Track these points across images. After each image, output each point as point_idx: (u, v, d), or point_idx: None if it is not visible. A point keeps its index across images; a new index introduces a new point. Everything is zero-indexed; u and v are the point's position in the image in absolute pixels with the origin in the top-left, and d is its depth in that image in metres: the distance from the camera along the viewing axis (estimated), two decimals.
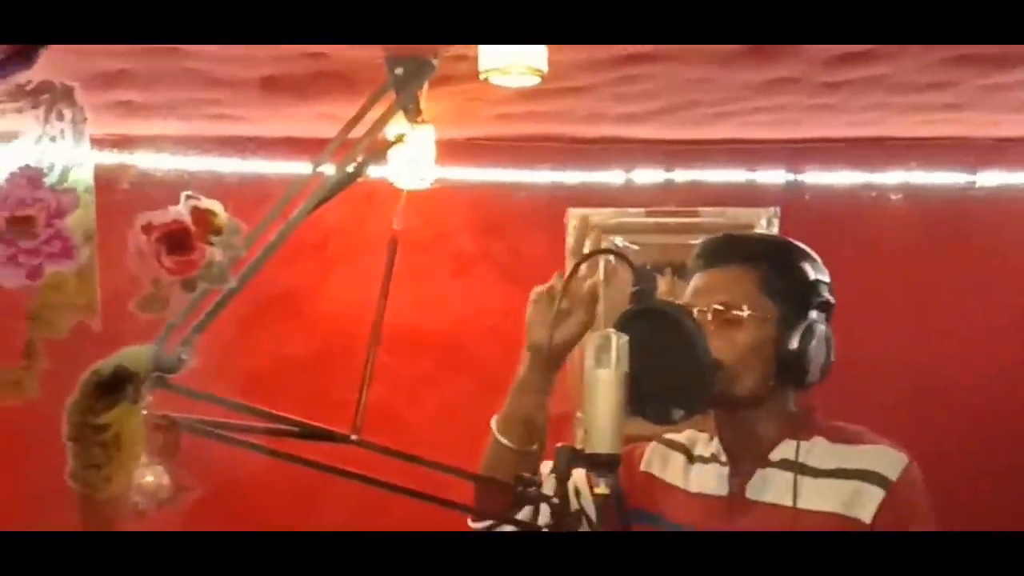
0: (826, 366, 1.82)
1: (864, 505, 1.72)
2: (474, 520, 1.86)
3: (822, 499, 1.75)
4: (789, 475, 1.77)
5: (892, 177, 4.14)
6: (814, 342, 1.78)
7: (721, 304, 1.80)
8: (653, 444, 1.99)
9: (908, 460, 1.76)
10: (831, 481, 1.76)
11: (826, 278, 1.85)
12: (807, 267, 1.83)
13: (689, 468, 1.93)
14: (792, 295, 1.81)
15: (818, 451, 1.79)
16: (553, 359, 1.77)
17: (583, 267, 1.77)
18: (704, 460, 1.91)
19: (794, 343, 1.78)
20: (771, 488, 1.79)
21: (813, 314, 1.81)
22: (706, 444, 1.93)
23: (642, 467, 1.97)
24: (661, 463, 1.96)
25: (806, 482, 1.76)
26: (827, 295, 1.84)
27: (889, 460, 1.75)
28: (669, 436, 1.98)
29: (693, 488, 1.90)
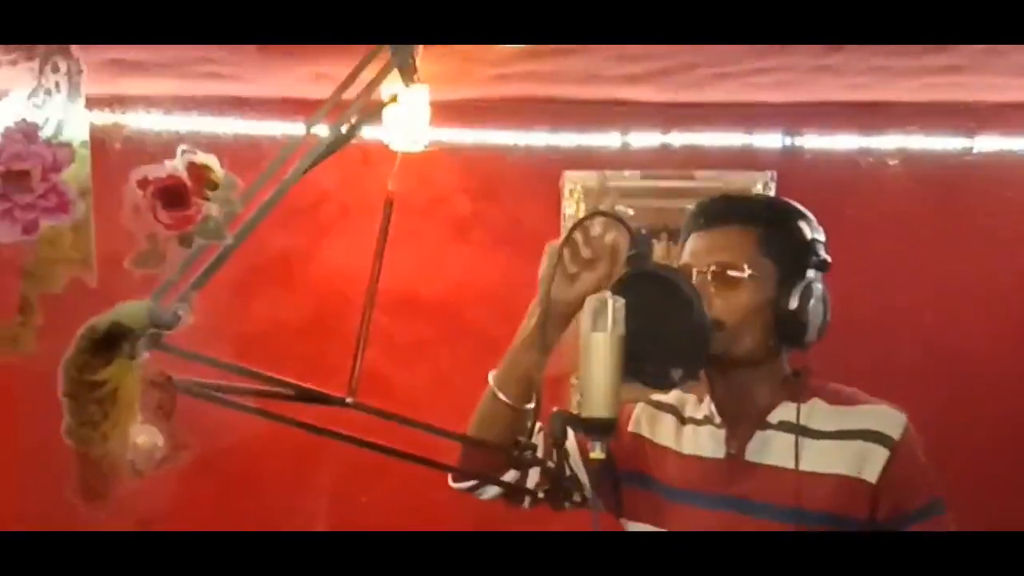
0: (823, 325, 1.83)
1: (869, 466, 1.73)
2: (456, 480, 1.86)
3: (825, 461, 1.76)
4: (790, 437, 1.78)
5: (890, 141, 4.12)
6: (813, 301, 1.79)
7: (721, 264, 1.80)
8: (641, 405, 1.99)
9: (907, 418, 1.78)
10: (834, 443, 1.77)
11: (821, 237, 1.85)
12: (803, 226, 1.83)
13: (681, 429, 1.93)
14: (790, 254, 1.81)
15: (817, 413, 1.80)
16: (566, 315, 1.72)
17: (601, 224, 1.73)
18: (697, 422, 1.91)
19: (793, 302, 1.78)
20: (772, 450, 1.80)
21: (811, 273, 1.81)
22: (696, 406, 1.93)
23: (630, 428, 1.97)
24: (650, 424, 1.96)
25: (807, 444, 1.77)
26: (823, 254, 1.84)
27: (890, 419, 1.77)
28: (656, 397, 1.98)
29: (687, 450, 1.90)
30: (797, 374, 1.86)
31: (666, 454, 1.92)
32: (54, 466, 1.14)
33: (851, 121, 4.10)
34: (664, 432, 1.94)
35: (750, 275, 1.79)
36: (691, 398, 1.96)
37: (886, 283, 4.02)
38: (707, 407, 1.90)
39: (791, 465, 1.76)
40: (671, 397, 1.98)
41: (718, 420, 1.87)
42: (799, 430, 1.78)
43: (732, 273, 1.79)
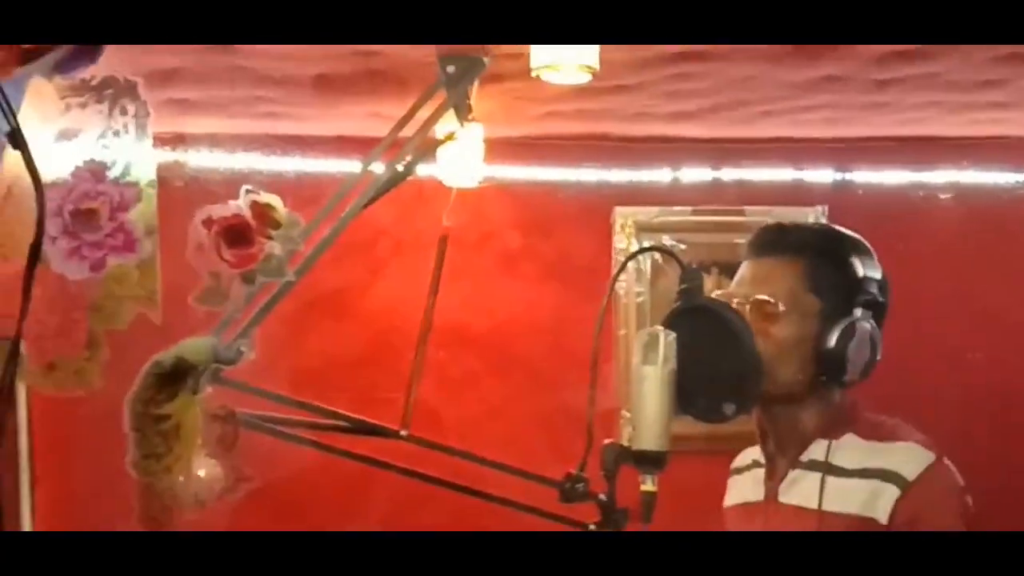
0: (869, 365, 1.76)
1: (880, 505, 1.68)
2: None
3: (845, 500, 1.71)
4: (817, 475, 1.74)
5: (941, 176, 4.11)
6: (855, 339, 1.72)
7: (759, 296, 1.76)
8: (729, 482, 2.00)
9: (935, 458, 1.70)
10: (855, 481, 1.72)
11: (877, 275, 1.78)
12: (855, 262, 1.77)
13: (735, 481, 1.94)
14: (837, 290, 1.76)
15: (846, 449, 1.75)
16: None
17: None
18: (747, 468, 1.91)
19: (832, 340, 1.72)
20: (799, 490, 1.77)
21: (858, 311, 1.74)
22: (747, 453, 1.93)
23: (727, 504, 1.98)
24: (735, 491, 1.97)
25: (832, 482, 1.73)
26: (875, 292, 1.76)
27: (912, 458, 1.70)
28: (732, 465, 2.00)
29: (734, 500, 1.91)
30: (841, 406, 1.80)
31: (727, 513, 1.94)
32: (119, 498, 1.17)
33: (902, 156, 4.09)
34: (730, 497, 1.96)
35: (785, 310, 1.74)
36: (748, 450, 1.95)
37: (936, 316, 3.99)
38: (755, 450, 1.89)
39: (815, 505, 1.72)
40: (737, 460, 1.99)
41: (763, 460, 1.86)
42: (825, 468, 1.74)
43: (769, 307, 1.75)
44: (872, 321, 1.77)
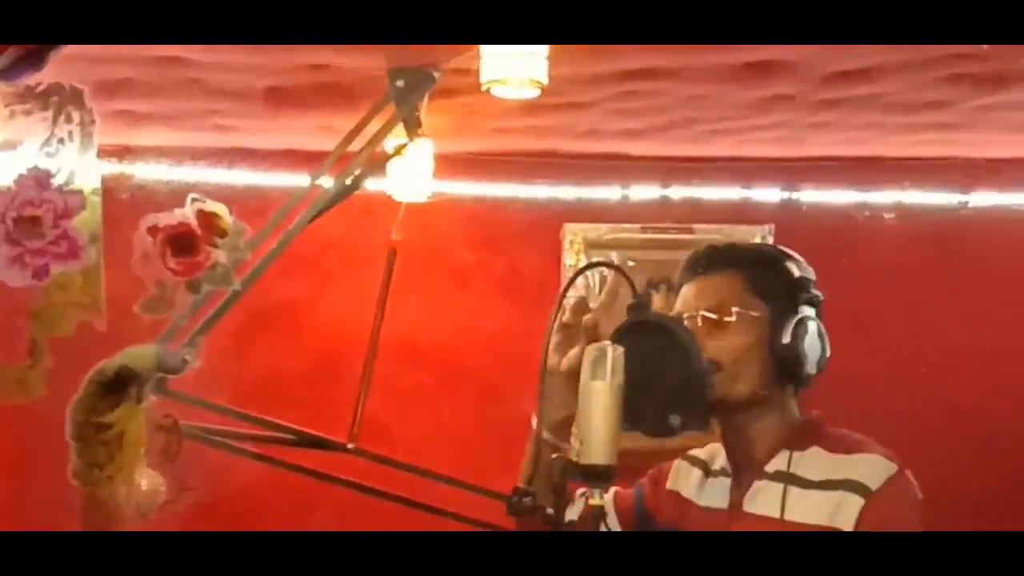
0: (822, 359, 1.84)
1: (843, 515, 1.70)
2: None
3: (809, 511, 1.74)
4: (780, 486, 1.78)
5: (886, 196, 4.18)
6: (807, 335, 1.80)
7: (709, 308, 1.82)
8: (677, 461, 2.01)
9: (897, 470, 1.74)
10: (819, 492, 1.75)
11: (811, 275, 1.87)
12: (791, 266, 1.86)
13: (704, 482, 1.94)
14: (780, 293, 1.83)
15: (810, 461, 1.79)
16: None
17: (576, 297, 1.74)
18: (716, 474, 1.93)
19: (787, 337, 1.79)
20: (763, 500, 1.80)
21: (803, 309, 1.82)
22: (724, 458, 1.95)
23: (668, 485, 1.98)
24: (684, 479, 1.97)
25: (795, 493, 1.76)
26: (815, 291, 1.85)
27: (875, 469, 1.74)
28: (693, 452, 2.00)
29: (703, 502, 1.91)
30: (806, 420, 1.86)
31: (690, 508, 1.94)
32: (60, 508, 1.15)
33: (848, 176, 4.15)
34: (691, 486, 1.96)
35: (739, 315, 1.81)
36: (723, 451, 1.97)
37: (881, 335, 4.05)
38: (724, 458, 1.92)
39: (777, 515, 1.75)
40: (704, 451, 1.99)
41: (730, 469, 1.89)
42: (788, 479, 1.78)
43: (721, 316, 1.81)
44: (816, 318, 1.85)
